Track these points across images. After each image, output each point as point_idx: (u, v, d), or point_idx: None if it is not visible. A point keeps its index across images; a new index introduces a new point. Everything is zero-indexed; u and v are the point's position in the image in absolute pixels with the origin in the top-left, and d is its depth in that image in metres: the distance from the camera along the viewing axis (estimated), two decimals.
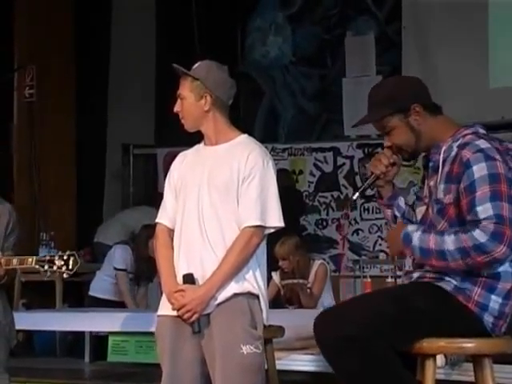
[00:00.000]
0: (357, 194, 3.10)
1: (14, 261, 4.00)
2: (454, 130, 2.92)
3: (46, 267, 3.93)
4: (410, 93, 2.94)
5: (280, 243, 5.99)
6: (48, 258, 3.93)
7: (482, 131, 2.90)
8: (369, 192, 8.92)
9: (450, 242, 2.76)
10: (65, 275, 3.93)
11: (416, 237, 2.84)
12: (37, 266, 3.94)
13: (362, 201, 8.02)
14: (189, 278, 3.26)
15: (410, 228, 2.88)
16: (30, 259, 3.97)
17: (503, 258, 2.74)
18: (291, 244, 6.03)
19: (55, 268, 3.92)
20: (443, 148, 2.89)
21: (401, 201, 3.07)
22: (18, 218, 4.28)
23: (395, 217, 3.06)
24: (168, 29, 8.73)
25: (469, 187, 2.77)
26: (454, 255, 2.75)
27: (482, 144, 2.81)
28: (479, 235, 2.71)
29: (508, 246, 2.71)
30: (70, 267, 3.91)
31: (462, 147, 2.83)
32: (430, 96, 2.98)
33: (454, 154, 2.84)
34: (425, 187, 3.00)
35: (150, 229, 5.69)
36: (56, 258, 3.91)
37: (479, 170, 2.76)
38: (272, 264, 6.10)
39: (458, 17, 7.50)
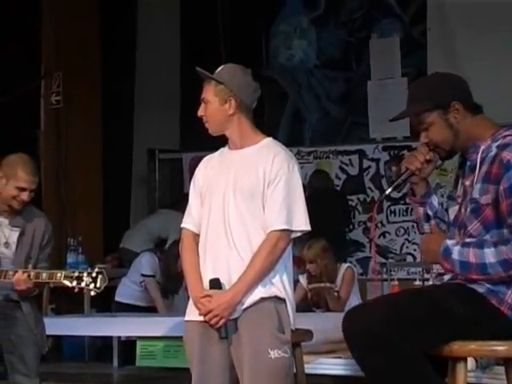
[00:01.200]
0: (390, 189, 3.03)
1: (44, 275, 4.03)
2: (494, 130, 2.88)
3: (74, 283, 3.95)
4: (451, 90, 2.91)
5: (307, 246, 5.98)
6: (77, 274, 3.94)
7: None
8: (396, 194, 8.87)
9: (490, 255, 2.73)
10: (92, 293, 3.96)
11: (456, 250, 2.80)
12: (65, 282, 3.96)
13: (389, 203, 7.98)
14: (215, 283, 3.25)
15: (449, 242, 2.83)
16: (58, 274, 3.99)
17: None
18: (318, 247, 6.01)
19: (83, 285, 3.94)
20: (482, 148, 2.85)
21: (434, 199, 3.02)
22: (52, 230, 4.32)
23: (427, 215, 3.02)
24: (193, 34, 8.74)
25: (509, 189, 2.73)
26: (496, 268, 2.72)
27: None
28: None
29: None
30: (98, 285, 3.94)
31: (502, 148, 2.79)
32: (471, 95, 2.94)
33: (493, 154, 2.80)
34: (459, 187, 2.96)
35: (179, 246, 5.74)
36: (85, 274, 3.93)
37: None
38: (299, 267, 6.10)
39: (484, 17, 7.44)
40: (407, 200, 3.14)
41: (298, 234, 3.33)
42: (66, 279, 3.95)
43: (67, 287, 6.42)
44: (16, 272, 4.01)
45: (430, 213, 3.02)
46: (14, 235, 4.19)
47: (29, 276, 3.99)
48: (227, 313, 3.21)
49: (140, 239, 7.61)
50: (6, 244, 4.17)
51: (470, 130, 2.89)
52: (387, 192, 3.07)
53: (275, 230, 3.24)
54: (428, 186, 3.03)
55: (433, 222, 3.02)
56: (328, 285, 5.96)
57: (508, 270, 2.71)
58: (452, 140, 2.91)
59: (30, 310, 4.22)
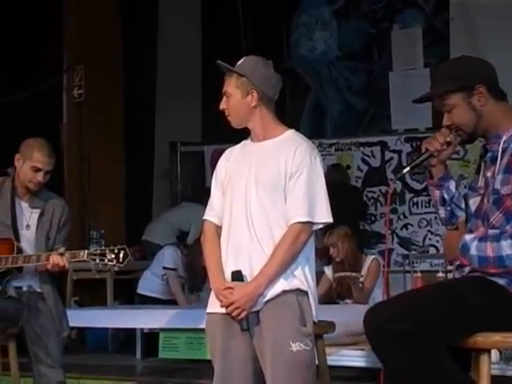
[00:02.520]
0: (407, 168, 2.98)
1: (67, 255, 4.06)
2: None
3: (97, 260, 4.00)
4: (476, 73, 2.88)
5: (328, 233, 6.00)
6: (99, 251, 3.99)
7: None
8: (418, 186, 8.83)
9: (506, 247, 2.72)
10: (115, 268, 4.00)
11: (473, 246, 2.79)
12: (88, 260, 4.00)
13: (411, 195, 7.95)
14: (237, 275, 3.25)
15: (468, 238, 2.82)
16: (81, 253, 4.05)
17: None
18: (340, 232, 6.03)
19: (106, 261, 3.97)
20: (503, 138, 2.83)
21: (451, 184, 2.98)
22: (69, 213, 4.37)
23: (443, 199, 2.99)
24: (214, 26, 8.75)
25: None
26: None
27: None
28: None
29: None
30: (121, 260, 3.96)
31: None
32: (497, 80, 2.92)
33: None
34: (480, 178, 2.94)
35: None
36: (107, 251, 3.97)
37: None
38: (322, 259, 6.10)
39: (507, 6, 7.37)
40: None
41: (320, 226, 3.33)
42: (89, 257, 4.00)
43: (91, 279, 6.48)
44: (39, 256, 4.06)
45: (446, 197, 2.98)
46: (34, 217, 4.25)
47: (62, 255, 4.02)
48: (249, 305, 3.20)
49: (162, 232, 7.64)
50: (28, 226, 4.24)
51: (493, 116, 2.87)
52: (404, 171, 3.02)
53: (297, 222, 3.23)
54: (446, 169, 3.00)
55: (448, 208, 2.99)
56: (354, 274, 5.95)
57: None
58: (474, 123, 2.88)
59: (52, 300, 4.26)
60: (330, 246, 6.02)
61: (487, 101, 2.86)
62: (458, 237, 2.87)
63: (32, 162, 4.16)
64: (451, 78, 2.88)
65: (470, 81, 2.86)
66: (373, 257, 6.22)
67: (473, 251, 2.79)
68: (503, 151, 2.81)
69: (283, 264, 3.22)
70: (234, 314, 3.22)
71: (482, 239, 2.79)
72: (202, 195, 7.47)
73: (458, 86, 2.86)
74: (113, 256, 3.98)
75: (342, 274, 6.00)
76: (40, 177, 4.17)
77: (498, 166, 2.82)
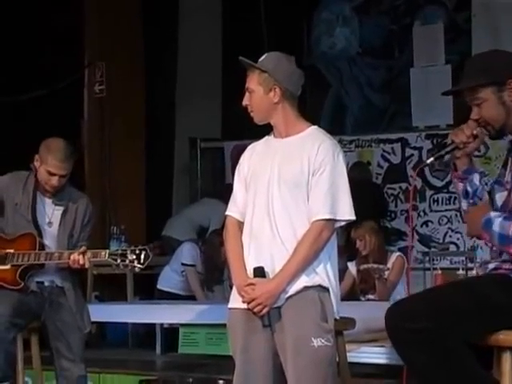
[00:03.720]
0: (431, 158, 2.97)
1: (89, 254, 4.08)
2: None
3: (119, 261, 4.01)
4: (509, 67, 2.86)
5: (355, 227, 5.98)
6: (120, 251, 4.00)
7: None
8: (438, 183, 8.77)
9: None
10: (136, 269, 4.00)
11: (497, 222, 2.77)
12: (109, 260, 4.01)
13: (432, 192, 7.92)
14: (259, 272, 3.25)
15: (493, 214, 2.81)
16: (103, 253, 4.06)
17: None
18: (367, 225, 6.04)
19: (127, 262, 3.99)
20: None
21: (475, 177, 2.97)
22: (93, 212, 4.41)
23: (467, 192, 2.98)
24: (235, 22, 8.74)
25: None
26: None
27: None
28: None
29: None
30: (142, 261, 3.98)
31: None
32: None
33: None
34: (507, 172, 2.92)
35: (220, 235, 5.77)
36: (128, 252, 3.98)
37: None
38: (342, 257, 6.09)
39: None
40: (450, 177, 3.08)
41: (343, 224, 3.33)
42: (111, 257, 4.02)
43: (111, 274, 6.51)
44: (61, 254, 4.08)
45: (469, 190, 2.97)
46: (57, 214, 4.26)
47: (84, 254, 4.04)
48: (271, 301, 3.21)
49: (182, 227, 7.66)
50: (50, 223, 4.25)
51: None
52: (428, 161, 3.00)
53: (319, 220, 3.24)
54: (471, 162, 2.99)
55: (470, 201, 2.97)
56: (381, 266, 5.93)
57: None
58: (504, 118, 2.86)
59: (73, 295, 4.28)
60: (357, 239, 6.01)
61: None
62: (483, 211, 2.84)
63: (47, 166, 4.16)
64: (483, 71, 2.86)
65: (502, 75, 2.84)
66: (398, 253, 6.21)
67: (495, 227, 2.77)
68: None
69: (305, 261, 3.23)
70: (255, 309, 3.23)
71: (507, 218, 2.77)
72: (221, 191, 7.51)
73: (490, 80, 2.84)
74: (134, 257, 3.99)
75: (367, 266, 5.98)
76: (54, 181, 4.17)
77: None
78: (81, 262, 4.03)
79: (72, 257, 4.05)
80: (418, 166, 7.53)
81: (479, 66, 2.90)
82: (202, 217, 7.72)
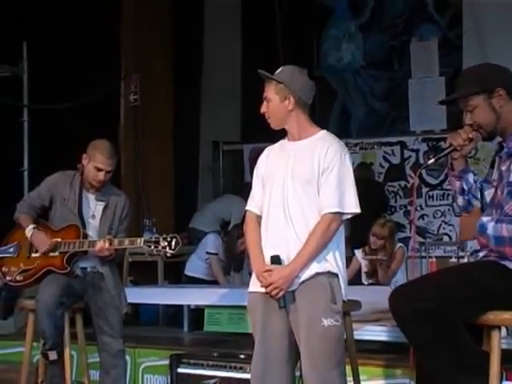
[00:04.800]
0: (432, 159, 2.97)
1: (126, 241, 4.12)
2: None
3: (152, 247, 4.02)
4: (497, 77, 2.87)
5: (381, 224, 5.94)
6: (154, 239, 4.01)
7: None
8: (433, 181, 8.70)
9: None
10: (168, 254, 4.02)
11: (490, 226, 2.78)
12: (144, 246, 4.03)
13: (427, 189, 7.90)
14: (276, 259, 3.26)
15: (485, 219, 2.82)
16: (138, 240, 4.08)
17: None
18: (392, 227, 6.01)
19: (160, 248, 4.00)
20: None
21: (470, 176, 2.98)
22: (130, 207, 4.42)
23: (463, 189, 2.98)
24: (254, 39, 8.73)
25: None
26: None
27: None
28: None
29: None
30: (173, 247, 3.99)
31: None
32: None
33: None
34: (494, 171, 2.92)
35: (240, 228, 5.80)
36: (161, 239, 3.99)
37: None
38: (354, 243, 6.08)
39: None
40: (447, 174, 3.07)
41: (349, 216, 3.32)
42: (145, 244, 4.03)
43: (144, 261, 6.53)
44: (104, 241, 4.10)
45: (465, 187, 2.98)
46: (99, 208, 4.29)
47: (110, 243, 4.06)
48: (286, 286, 3.22)
49: (207, 220, 7.67)
50: (93, 216, 4.28)
51: (510, 116, 2.85)
52: (429, 162, 3.00)
53: (329, 213, 3.24)
54: (466, 163, 2.99)
55: (465, 197, 2.98)
56: (384, 258, 5.90)
57: None
58: (494, 122, 2.86)
59: (112, 280, 4.31)
60: (379, 237, 5.91)
61: (506, 102, 2.85)
62: (473, 219, 2.85)
63: (95, 162, 4.18)
64: (475, 81, 2.86)
65: (491, 84, 2.84)
66: (399, 245, 6.17)
67: (490, 231, 2.77)
68: None
69: (316, 249, 3.23)
70: (272, 293, 3.23)
71: (498, 221, 2.78)
72: (241, 189, 7.53)
73: (481, 89, 2.84)
74: (166, 244, 4.00)
75: (371, 257, 5.97)
76: (101, 175, 4.20)
77: None
78: (106, 246, 4.03)
79: (99, 244, 4.05)
80: (421, 167, 7.54)
81: (471, 77, 2.91)
82: (224, 211, 7.72)
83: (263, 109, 3.38)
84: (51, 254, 4.19)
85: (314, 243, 3.23)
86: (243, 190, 7.41)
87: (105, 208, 4.27)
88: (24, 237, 4.26)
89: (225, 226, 7.54)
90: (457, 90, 2.94)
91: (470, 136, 2.90)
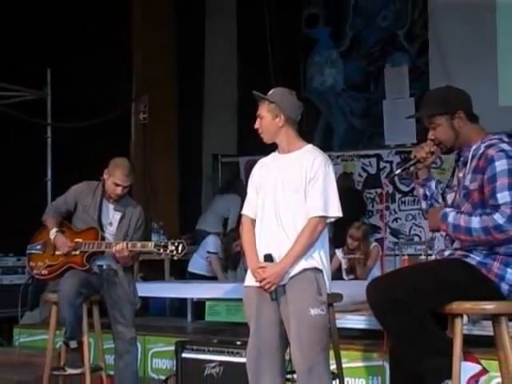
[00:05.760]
0: (399, 170, 3.00)
1: (139, 245, 4.10)
2: (484, 135, 2.87)
3: (161, 250, 4.00)
4: (458, 101, 2.89)
5: (357, 227, 5.97)
6: (163, 243, 4.00)
7: (506, 139, 2.84)
8: (405, 188, 8.69)
9: (475, 222, 2.73)
10: (175, 258, 4.00)
11: (451, 215, 2.79)
12: (154, 249, 4.01)
13: (400, 195, 7.92)
14: (269, 257, 3.26)
15: (448, 209, 2.84)
16: (149, 244, 4.06)
17: None
18: (366, 230, 6.04)
19: (168, 251, 3.97)
20: (473, 147, 2.85)
21: (432, 183, 3.00)
22: (145, 219, 4.39)
23: (425, 195, 3.00)
24: (248, 65, 8.76)
25: (491, 178, 2.73)
26: (479, 232, 2.71)
27: (505, 146, 2.77)
28: (498, 218, 2.68)
29: None
30: (179, 252, 3.97)
31: (488, 147, 2.79)
32: (472, 107, 2.92)
33: (481, 152, 2.80)
34: (454, 178, 2.94)
35: (236, 232, 5.81)
36: (169, 244, 3.98)
37: (501, 165, 2.72)
38: (337, 243, 6.09)
39: (472, 51, 7.40)
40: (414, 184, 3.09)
41: (333, 220, 3.33)
42: (156, 247, 4.01)
43: (152, 259, 6.50)
44: (119, 243, 4.09)
45: (427, 193, 3.00)
46: (116, 217, 4.27)
47: (127, 246, 4.06)
48: (277, 280, 3.21)
49: (211, 221, 7.64)
50: (110, 223, 4.26)
51: (468, 134, 2.88)
52: (397, 172, 3.04)
53: (315, 216, 3.24)
54: (429, 172, 3.01)
55: (428, 202, 2.99)
56: (362, 256, 5.93)
57: (487, 235, 2.69)
58: (453, 140, 2.89)
59: (124, 276, 4.29)
60: (355, 239, 5.94)
61: (465, 123, 2.87)
62: (439, 210, 2.87)
63: (114, 178, 4.15)
64: (439, 103, 2.88)
65: (452, 107, 2.87)
66: (374, 244, 6.21)
67: (450, 219, 2.79)
68: (472, 157, 2.83)
69: (304, 248, 3.23)
70: (266, 287, 3.23)
71: (458, 212, 2.80)
72: (235, 185, 7.56)
73: (444, 110, 2.86)
74: (173, 248, 3.97)
75: (351, 256, 6.00)
76: (119, 190, 4.18)
77: (468, 168, 2.83)
78: (123, 247, 4.01)
79: (118, 245, 4.04)
80: (389, 176, 7.57)
81: (436, 99, 2.92)
82: (224, 209, 7.68)
83: (257, 125, 3.39)
84: (73, 253, 4.19)
85: (302, 243, 3.22)
86: (236, 185, 7.49)
87: (121, 218, 4.25)
88: (49, 236, 4.26)
89: (227, 222, 7.51)
90: (422, 109, 2.96)
91: (432, 150, 2.93)
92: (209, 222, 7.64)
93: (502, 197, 2.68)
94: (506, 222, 2.67)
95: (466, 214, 2.77)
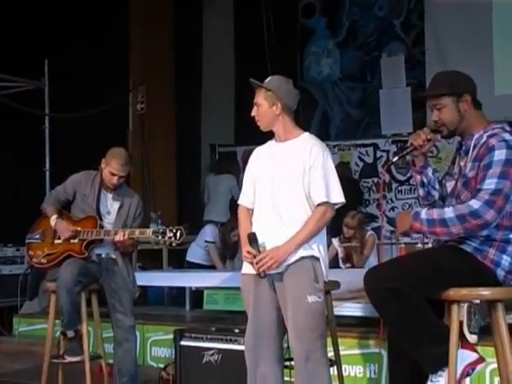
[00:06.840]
0: (396, 157, 2.98)
1: (137, 232, 4.09)
2: (486, 124, 2.85)
3: (160, 237, 3.98)
4: (466, 84, 2.87)
5: (352, 216, 5.97)
6: (161, 230, 3.99)
7: (508, 128, 2.83)
8: (402, 177, 8.69)
9: (449, 212, 2.71)
10: (173, 244, 3.98)
11: (423, 212, 2.78)
12: (153, 236, 4.00)
13: (397, 185, 7.92)
14: (253, 236, 3.22)
15: (418, 209, 2.83)
16: (148, 230, 4.05)
17: (493, 221, 2.67)
18: (361, 218, 6.04)
19: (166, 238, 3.96)
20: (475, 136, 2.83)
21: (429, 171, 2.98)
22: (143, 207, 4.38)
23: (423, 182, 2.98)
24: (245, 52, 8.75)
25: (486, 165, 2.71)
26: (454, 221, 2.69)
27: (507, 136, 2.75)
28: (474, 203, 2.67)
29: (497, 211, 2.64)
30: (178, 238, 3.96)
31: (490, 136, 2.77)
32: (476, 94, 2.90)
33: (483, 141, 2.78)
34: (455, 166, 2.93)
35: (233, 222, 5.80)
36: (167, 230, 3.96)
37: (500, 154, 2.70)
38: (334, 232, 6.09)
39: (467, 41, 7.38)
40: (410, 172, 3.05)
41: (338, 206, 3.29)
42: (154, 234, 4.00)
43: (151, 249, 6.48)
44: (116, 231, 4.09)
45: (424, 180, 2.98)
46: (115, 207, 4.25)
47: (126, 233, 4.04)
48: (282, 259, 3.16)
49: (220, 210, 7.63)
50: (108, 212, 4.25)
51: (471, 119, 2.85)
52: (394, 159, 3.01)
53: (322, 202, 3.21)
54: (426, 160, 2.99)
55: (425, 189, 2.97)
56: (358, 244, 5.95)
57: (463, 222, 2.67)
58: (457, 122, 2.85)
59: (123, 264, 4.28)
60: (351, 228, 5.95)
61: (469, 107, 2.85)
62: (407, 213, 2.83)
63: (110, 167, 4.14)
64: (447, 84, 2.85)
65: (461, 89, 2.84)
66: (370, 232, 6.22)
67: (423, 215, 2.76)
68: (474, 146, 2.81)
69: (311, 234, 3.20)
70: (268, 263, 3.15)
71: (430, 208, 2.79)
72: (230, 166, 7.76)
73: (452, 91, 2.83)
74: (171, 234, 3.96)
75: (347, 244, 6.00)
76: (115, 180, 4.16)
77: (469, 156, 2.81)
78: (124, 236, 4.01)
79: (116, 233, 4.03)
80: (387, 164, 7.56)
81: (444, 80, 2.89)
82: (226, 192, 7.67)
83: (253, 113, 3.36)
84: (72, 241, 4.18)
85: (310, 228, 3.18)
86: (229, 165, 7.80)
87: (120, 207, 4.24)
88: (49, 225, 4.25)
89: (233, 203, 7.48)
90: (430, 89, 2.92)
91: (429, 137, 2.91)
92: (215, 211, 7.61)
93: (488, 183, 2.67)
94: (481, 207, 2.64)
95: (438, 207, 2.76)
